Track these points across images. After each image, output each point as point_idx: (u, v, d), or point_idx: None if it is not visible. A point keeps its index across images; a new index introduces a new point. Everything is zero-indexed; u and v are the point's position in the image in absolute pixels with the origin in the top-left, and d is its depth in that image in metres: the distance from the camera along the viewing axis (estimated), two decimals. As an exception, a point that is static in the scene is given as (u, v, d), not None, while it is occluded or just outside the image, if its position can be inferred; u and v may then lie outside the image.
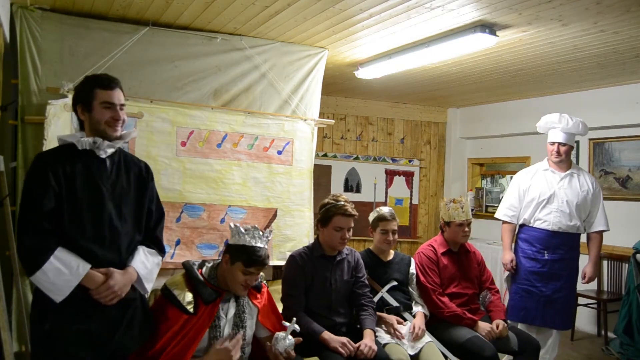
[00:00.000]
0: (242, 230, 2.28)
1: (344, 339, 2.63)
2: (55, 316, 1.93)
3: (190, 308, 2.20)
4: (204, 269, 2.36)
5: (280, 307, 2.71)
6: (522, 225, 3.80)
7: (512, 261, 3.73)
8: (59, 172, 1.96)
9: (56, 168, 1.96)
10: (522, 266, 3.71)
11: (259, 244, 2.26)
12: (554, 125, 3.65)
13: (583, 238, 3.78)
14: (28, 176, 2.02)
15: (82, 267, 1.93)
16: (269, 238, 2.35)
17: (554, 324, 3.63)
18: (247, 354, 2.38)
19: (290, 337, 2.33)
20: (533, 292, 3.62)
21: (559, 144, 3.62)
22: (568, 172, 3.68)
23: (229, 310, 2.32)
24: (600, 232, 3.70)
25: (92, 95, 2.03)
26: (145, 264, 2.14)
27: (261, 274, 2.51)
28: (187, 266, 2.35)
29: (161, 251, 2.26)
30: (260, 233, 2.30)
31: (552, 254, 3.61)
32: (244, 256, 2.23)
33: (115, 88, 2.07)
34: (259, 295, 2.44)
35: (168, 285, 2.28)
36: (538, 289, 3.61)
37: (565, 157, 3.65)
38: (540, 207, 3.65)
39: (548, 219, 3.62)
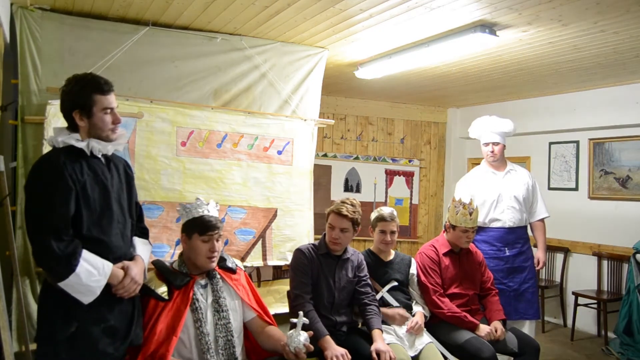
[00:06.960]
0: (188, 206, 2.37)
1: (342, 351, 2.52)
2: (82, 317, 1.96)
3: (165, 296, 2.26)
4: (174, 264, 2.42)
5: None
6: (478, 229, 3.81)
7: None
8: (72, 174, 1.95)
9: (69, 170, 1.95)
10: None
11: (206, 212, 2.34)
12: (485, 128, 3.85)
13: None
14: (42, 179, 1.95)
15: (106, 266, 1.98)
16: (217, 207, 2.43)
17: (527, 315, 3.74)
18: (239, 335, 2.38)
19: (302, 331, 2.32)
20: (502, 289, 3.65)
21: (493, 143, 3.81)
22: (506, 169, 3.88)
23: (208, 296, 2.35)
24: (543, 220, 3.91)
25: (92, 101, 2.00)
26: (144, 253, 2.24)
27: (236, 261, 2.56)
28: (155, 262, 2.42)
29: (148, 240, 2.37)
30: (205, 203, 2.38)
31: (512, 249, 3.77)
32: (197, 227, 2.30)
33: (112, 91, 2.07)
34: (233, 276, 2.47)
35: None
36: (506, 285, 3.71)
37: (500, 157, 3.85)
38: (493, 208, 3.78)
39: (502, 217, 3.77)
